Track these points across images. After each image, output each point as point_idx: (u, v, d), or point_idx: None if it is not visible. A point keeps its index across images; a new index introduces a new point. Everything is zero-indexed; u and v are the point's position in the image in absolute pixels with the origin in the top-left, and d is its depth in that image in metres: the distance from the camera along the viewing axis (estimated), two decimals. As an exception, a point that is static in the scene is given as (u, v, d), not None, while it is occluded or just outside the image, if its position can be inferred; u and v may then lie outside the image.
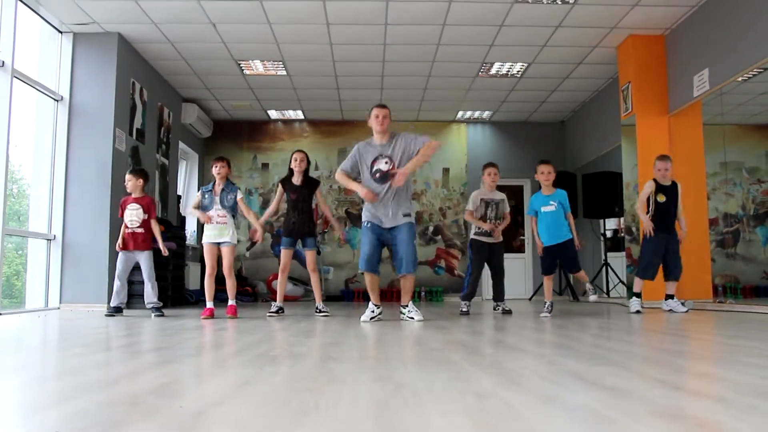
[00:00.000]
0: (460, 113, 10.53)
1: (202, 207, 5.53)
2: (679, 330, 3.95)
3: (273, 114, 10.59)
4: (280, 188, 5.82)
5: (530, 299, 9.82)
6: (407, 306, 4.95)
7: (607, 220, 9.34)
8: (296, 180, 5.76)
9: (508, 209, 5.89)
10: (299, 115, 10.62)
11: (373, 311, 4.86)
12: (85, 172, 6.98)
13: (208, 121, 10.34)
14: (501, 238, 5.84)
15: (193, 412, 1.46)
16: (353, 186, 4.95)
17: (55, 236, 6.85)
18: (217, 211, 5.47)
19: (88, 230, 6.91)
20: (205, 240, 5.50)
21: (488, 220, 5.72)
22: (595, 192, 8.99)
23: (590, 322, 4.67)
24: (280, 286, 5.79)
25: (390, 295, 10.00)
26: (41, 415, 1.47)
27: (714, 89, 6.36)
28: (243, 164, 10.77)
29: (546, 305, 5.47)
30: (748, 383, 1.83)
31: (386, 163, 4.88)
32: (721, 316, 5.25)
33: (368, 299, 5.00)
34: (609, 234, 9.41)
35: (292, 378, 1.98)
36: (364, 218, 4.97)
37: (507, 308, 5.75)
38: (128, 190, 5.95)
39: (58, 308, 6.72)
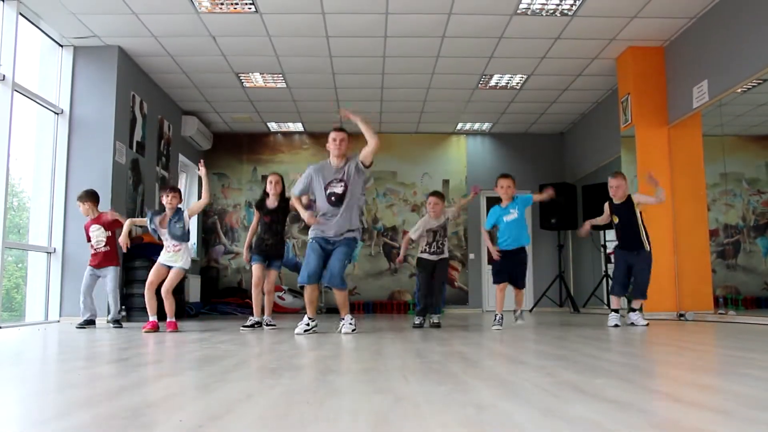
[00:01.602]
0: (460, 125, 10.56)
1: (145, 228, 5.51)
2: (680, 342, 3.95)
3: (273, 126, 10.62)
4: (256, 212, 5.87)
5: (530, 311, 9.79)
6: (344, 319, 4.96)
7: (607, 231, 9.32)
8: (271, 203, 5.79)
9: (449, 212, 5.98)
10: (299, 127, 10.65)
11: (308, 324, 4.86)
12: (86, 184, 6.94)
13: (208, 134, 10.37)
14: (446, 255, 5.92)
15: (193, 425, 1.46)
16: (301, 211, 5.02)
17: (55, 249, 6.84)
18: (169, 242, 5.38)
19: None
20: (159, 260, 5.41)
21: (434, 243, 5.82)
22: (595, 203, 8.94)
23: (590, 333, 4.66)
24: (256, 300, 5.84)
25: (390, 307, 9.97)
26: (41, 429, 1.47)
27: (713, 100, 6.38)
28: (243, 177, 10.78)
29: (496, 318, 5.51)
30: (749, 395, 1.82)
31: (341, 186, 4.92)
32: (722, 327, 5.24)
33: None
34: (609, 246, 9.40)
35: (292, 391, 1.97)
36: (309, 235, 4.98)
37: (436, 321, 5.77)
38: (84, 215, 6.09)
39: (58, 321, 6.70)
